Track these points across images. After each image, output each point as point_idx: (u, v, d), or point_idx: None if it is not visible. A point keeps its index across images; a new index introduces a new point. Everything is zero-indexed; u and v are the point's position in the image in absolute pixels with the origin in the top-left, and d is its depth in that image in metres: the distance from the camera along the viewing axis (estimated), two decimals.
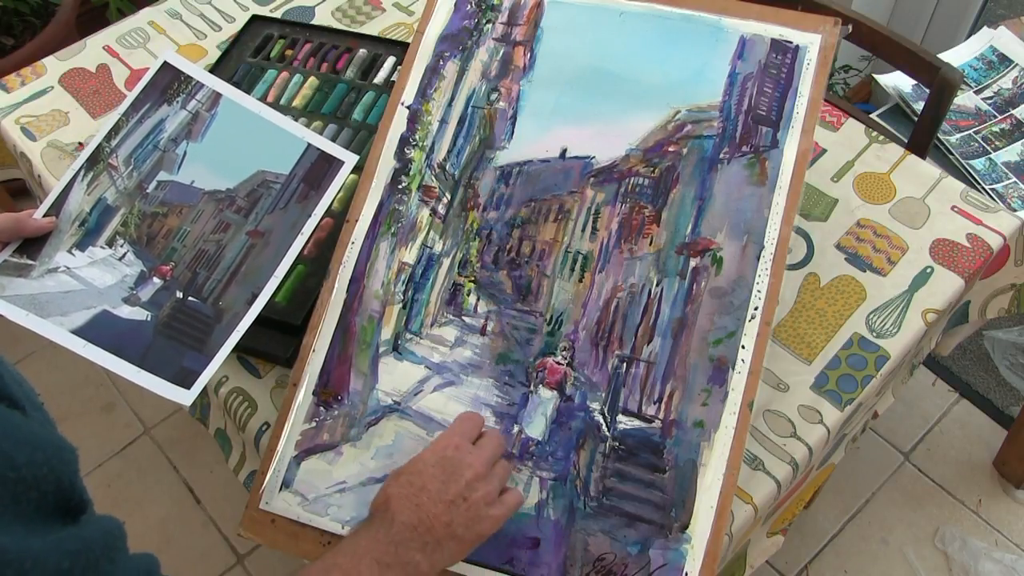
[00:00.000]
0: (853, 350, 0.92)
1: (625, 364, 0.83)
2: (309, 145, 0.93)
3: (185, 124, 0.95)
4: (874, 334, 0.93)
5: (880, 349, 0.92)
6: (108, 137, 0.95)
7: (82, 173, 0.93)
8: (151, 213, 0.92)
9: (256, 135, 0.94)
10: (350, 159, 0.92)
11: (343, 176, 0.91)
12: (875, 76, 1.72)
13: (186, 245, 0.90)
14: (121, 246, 0.90)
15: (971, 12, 1.96)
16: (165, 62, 0.98)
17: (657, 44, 0.94)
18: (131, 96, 0.97)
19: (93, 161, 0.94)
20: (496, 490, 0.73)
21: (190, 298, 0.87)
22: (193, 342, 0.84)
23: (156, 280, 0.88)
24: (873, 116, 1.60)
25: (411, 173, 0.93)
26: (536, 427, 0.82)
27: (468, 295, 0.88)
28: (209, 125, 0.95)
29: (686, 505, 0.77)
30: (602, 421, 0.81)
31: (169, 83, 0.97)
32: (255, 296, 0.85)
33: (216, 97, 0.96)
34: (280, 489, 0.82)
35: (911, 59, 1.31)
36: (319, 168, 0.92)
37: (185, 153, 0.94)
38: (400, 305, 0.88)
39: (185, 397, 0.80)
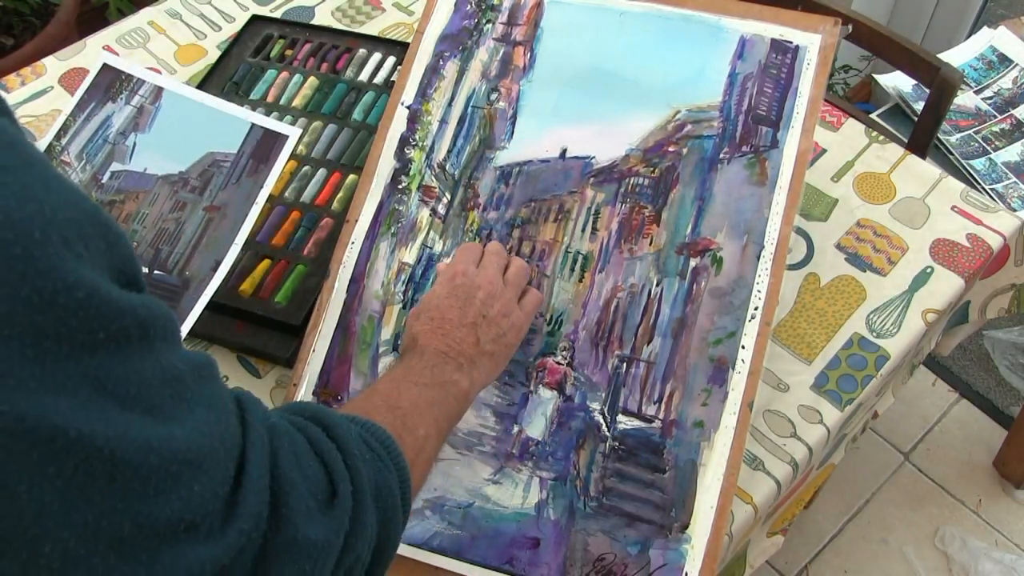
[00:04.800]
0: (853, 350, 0.92)
1: (625, 364, 0.83)
2: (253, 125, 0.96)
3: (131, 118, 0.98)
4: (874, 334, 0.93)
5: (880, 349, 0.92)
6: (57, 137, 0.99)
7: None
8: (108, 201, 0.95)
9: (201, 120, 0.97)
10: (294, 133, 0.95)
11: (289, 148, 0.94)
12: (875, 76, 1.72)
13: (146, 226, 0.93)
14: None
15: (971, 12, 1.96)
16: (104, 64, 1.02)
17: (657, 44, 0.94)
18: (75, 97, 1.01)
19: None
20: (512, 299, 0.77)
21: (156, 271, 0.90)
22: None
23: None
24: (873, 116, 1.60)
25: (411, 173, 0.93)
26: (536, 427, 0.82)
27: None
28: (155, 116, 0.98)
29: (686, 505, 0.77)
30: (602, 421, 0.81)
31: (111, 83, 1.01)
32: (219, 263, 0.88)
33: (158, 91, 0.99)
34: None
35: (911, 59, 1.31)
36: (266, 144, 0.95)
37: (135, 144, 0.97)
38: (400, 305, 0.88)
39: None
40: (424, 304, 0.75)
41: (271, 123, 0.96)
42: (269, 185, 0.92)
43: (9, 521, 0.34)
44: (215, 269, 0.88)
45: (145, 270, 0.90)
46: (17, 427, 0.33)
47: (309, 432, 0.51)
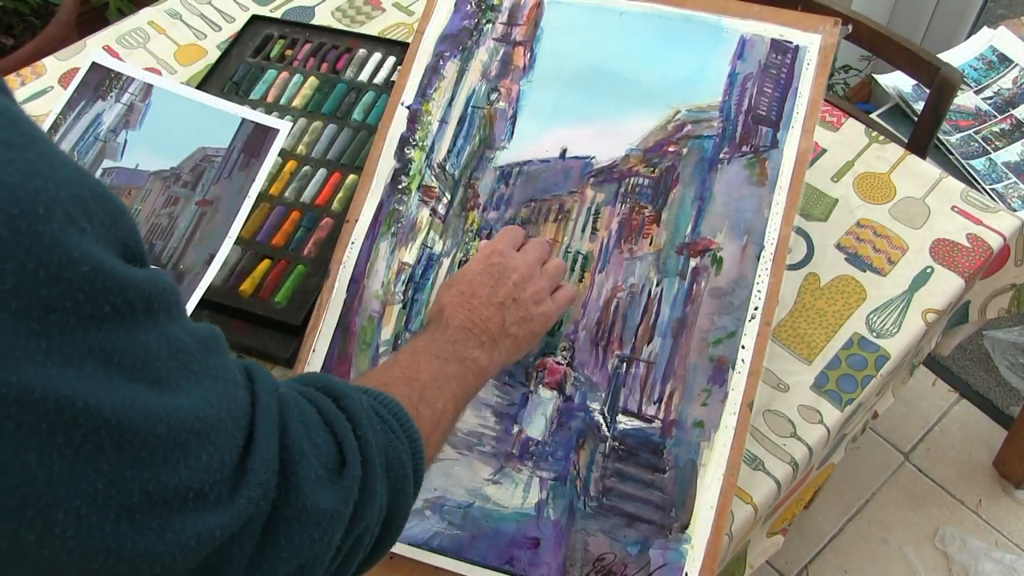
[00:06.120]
0: (853, 350, 0.92)
1: (625, 364, 0.83)
2: (243, 119, 0.97)
3: (122, 115, 0.99)
4: (874, 334, 0.93)
5: (880, 349, 0.92)
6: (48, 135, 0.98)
7: None
8: None
9: (192, 116, 0.98)
10: (284, 127, 0.95)
11: (280, 142, 0.94)
12: (875, 76, 1.72)
13: (139, 222, 0.93)
14: None
15: (971, 12, 1.96)
16: (93, 63, 1.02)
17: (657, 44, 0.94)
18: (65, 96, 1.01)
19: None
20: (545, 288, 0.77)
21: (150, 266, 0.89)
22: None
23: None
24: (873, 116, 1.60)
25: (411, 173, 0.93)
26: (536, 427, 0.82)
27: None
28: (145, 113, 0.99)
29: (686, 505, 0.77)
30: (602, 421, 0.81)
31: (100, 81, 1.01)
32: (212, 256, 0.88)
33: (148, 88, 1.00)
34: None
35: (911, 59, 1.31)
36: (256, 138, 0.95)
37: (126, 141, 0.98)
38: (400, 305, 0.88)
39: None
40: (457, 277, 0.76)
41: (261, 117, 0.97)
42: (260, 179, 0.92)
43: (22, 490, 0.35)
44: (209, 263, 0.88)
45: None
46: (26, 398, 0.34)
47: (319, 402, 0.52)
